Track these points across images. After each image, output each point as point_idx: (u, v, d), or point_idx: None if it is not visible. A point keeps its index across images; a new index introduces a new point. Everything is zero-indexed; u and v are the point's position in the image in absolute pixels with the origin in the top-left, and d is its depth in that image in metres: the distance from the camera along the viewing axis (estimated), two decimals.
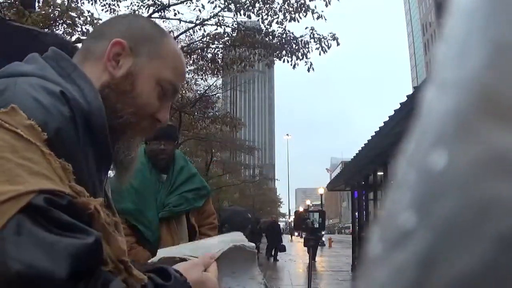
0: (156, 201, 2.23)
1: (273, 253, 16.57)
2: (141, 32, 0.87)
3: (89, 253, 0.60)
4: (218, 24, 9.49)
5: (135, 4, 8.99)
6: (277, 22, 9.02)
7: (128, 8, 9.05)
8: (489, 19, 0.16)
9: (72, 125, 0.69)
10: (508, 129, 0.14)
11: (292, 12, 8.78)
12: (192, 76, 13.12)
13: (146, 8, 8.89)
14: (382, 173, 11.11)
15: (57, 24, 6.41)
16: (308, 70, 9.18)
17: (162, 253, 1.00)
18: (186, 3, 9.35)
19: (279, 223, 25.39)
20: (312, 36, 8.88)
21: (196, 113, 13.91)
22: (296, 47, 9.04)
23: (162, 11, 9.12)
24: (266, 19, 9.03)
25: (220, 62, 10.62)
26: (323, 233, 27.11)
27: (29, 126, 0.64)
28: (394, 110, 7.23)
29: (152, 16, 8.65)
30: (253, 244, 1.03)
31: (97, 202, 0.66)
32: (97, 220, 0.65)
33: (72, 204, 0.62)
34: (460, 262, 0.14)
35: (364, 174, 12.80)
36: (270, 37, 9.24)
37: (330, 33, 8.94)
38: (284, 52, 9.17)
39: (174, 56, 0.89)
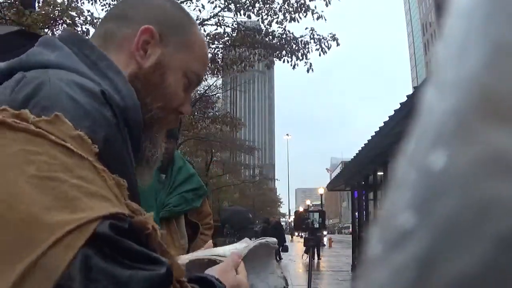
0: (156, 201, 2.23)
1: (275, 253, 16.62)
2: (171, 19, 0.79)
3: (163, 284, 0.55)
4: (218, 24, 9.50)
5: None
6: (277, 22, 9.03)
7: None
8: (489, 19, 0.16)
9: (118, 131, 0.62)
10: (507, 129, 0.14)
11: (292, 12, 8.78)
12: None
13: None
14: (382, 173, 11.11)
15: (57, 23, 6.40)
16: (308, 71, 9.18)
17: (187, 256, 0.99)
18: (186, 3, 9.35)
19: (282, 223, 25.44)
20: (312, 36, 8.88)
21: (196, 113, 13.91)
22: (296, 48, 9.04)
23: None
24: (266, 19, 9.03)
25: (220, 62, 10.62)
26: (325, 233, 27.09)
27: (77, 137, 0.56)
28: (394, 110, 7.23)
29: None
30: (275, 240, 1.03)
31: (152, 219, 0.59)
32: (154, 239, 0.58)
33: (133, 226, 0.56)
34: (459, 262, 0.14)
35: (364, 174, 12.80)
36: (270, 37, 9.24)
37: (330, 34, 8.94)
38: (284, 52, 9.17)
39: (201, 46, 0.83)
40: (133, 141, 0.67)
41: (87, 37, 0.75)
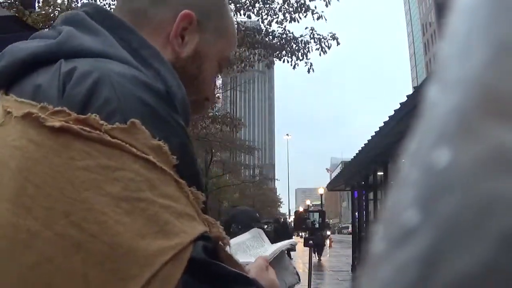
0: None
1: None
2: (208, 2, 0.71)
3: None
4: None
5: None
6: (277, 22, 9.03)
7: None
8: (492, 17, 0.16)
9: (187, 134, 0.55)
10: (510, 127, 0.14)
11: (292, 12, 8.78)
12: None
13: None
14: (382, 173, 11.11)
15: None
16: (308, 71, 9.18)
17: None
18: None
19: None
20: (312, 36, 8.88)
21: None
22: (296, 47, 9.04)
23: None
24: (266, 19, 9.03)
25: None
26: (328, 233, 27.06)
27: (157, 148, 0.49)
28: (394, 110, 7.24)
29: None
30: (296, 241, 1.06)
31: (222, 229, 0.55)
32: (223, 251, 0.54)
33: (216, 244, 0.52)
34: (462, 261, 0.14)
35: (364, 174, 12.80)
36: (270, 37, 9.24)
37: (330, 33, 8.94)
38: (284, 52, 9.17)
39: (234, 29, 0.76)
40: None
41: (121, 18, 0.63)
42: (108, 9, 0.70)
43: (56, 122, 0.47)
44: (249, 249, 1.00)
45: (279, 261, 1.00)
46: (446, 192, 0.15)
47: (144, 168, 0.47)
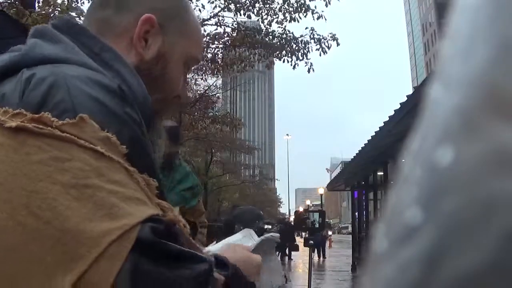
0: None
1: (286, 253, 16.60)
2: (170, 6, 0.75)
3: (207, 279, 0.55)
4: (218, 24, 9.51)
5: None
6: (277, 22, 9.03)
7: None
8: (496, 15, 0.16)
9: (141, 127, 0.59)
10: None
11: (292, 12, 8.78)
12: (192, 76, 13.13)
13: None
14: (382, 173, 11.11)
15: None
16: (309, 71, 9.19)
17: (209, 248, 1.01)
18: None
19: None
20: (312, 36, 8.88)
21: (196, 113, 13.92)
22: (296, 47, 9.04)
23: None
24: (266, 19, 9.03)
25: (220, 62, 10.62)
26: (330, 233, 27.03)
27: (105, 139, 0.53)
28: (394, 110, 7.24)
29: None
30: (278, 234, 1.04)
31: (180, 215, 0.60)
32: (184, 235, 0.58)
33: (168, 226, 0.55)
34: (466, 259, 0.14)
35: (364, 174, 12.80)
36: (270, 37, 9.24)
37: (330, 33, 8.94)
38: (284, 52, 9.17)
39: (198, 29, 0.80)
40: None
41: (84, 26, 0.69)
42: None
43: (13, 123, 0.51)
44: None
45: (267, 261, 1.00)
46: (449, 191, 0.15)
47: (92, 157, 0.51)
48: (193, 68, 0.82)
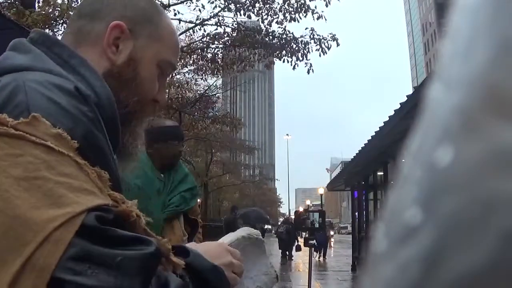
0: (159, 200, 2.25)
1: (287, 253, 16.56)
2: (140, 12, 0.81)
3: (154, 261, 0.58)
4: (218, 24, 9.50)
5: None
6: (277, 22, 9.04)
7: None
8: (496, 15, 0.16)
9: (97, 125, 0.64)
10: None
11: (292, 12, 8.78)
12: (192, 76, 13.14)
13: None
14: (382, 173, 11.11)
15: (57, 24, 6.41)
16: (308, 72, 9.18)
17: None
18: (186, 3, 9.36)
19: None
20: (312, 37, 8.88)
21: (196, 113, 13.92)
22: (296, 48, 9.04)
23: None
24: (266, 19, 9.04)
25: (220, 62, 10.62)
26: (332, 233, 26.91)
27: (57, 135, 0.58)
28: (394, 110, 7.24)
29: None
30: (258, 231, 1.02)
31: (135, 207, 0.63)
32: (138, 226, 0.62)
33: (117, 216, 0.59)
34: (466, 258, 0.14)
35: (364, 174, 12.80)
36: (270, 37, 9.24)
37: (330, 34, 8.94)
38: (284, 52, 9.17)
39: (172, 35, 0.85)
40: (110, 135, 0.68)
41: (56, 37, 0.77)
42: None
43: None
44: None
45: (252, 260, 0.98)
46: (449, 191, 0.15)
47: (43, 152, 0.56)
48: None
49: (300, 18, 8.79)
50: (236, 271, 0.80)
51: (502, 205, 0.14)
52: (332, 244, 26.75)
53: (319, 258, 17.09)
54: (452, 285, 0.14)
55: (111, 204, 0.59)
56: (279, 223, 18.81)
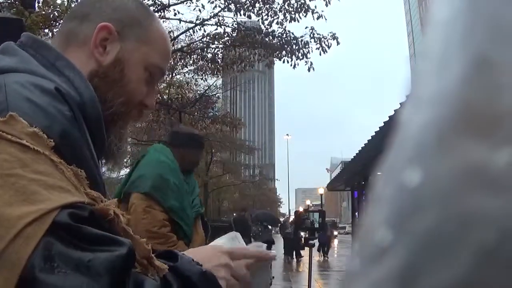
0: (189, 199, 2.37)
1: (294, 253, 16.55)
2: (128, 15, 0.82)
3: (126, 263, 0.57)
4: (218, 24, 9.50)
5: None
6: (277, 23, 9.03)
7: None
8: (468, 32, 0.16)
9: (75, 124, 0.65)
10: (486, 143, 0.14)
11: (292, 12, 8.78)
12: (192, 76, 13.14)
13: None
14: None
15: (57, 24, 6.41)
16: (309, 70, 9.18)
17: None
18: (186, 3, 9.35)
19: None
20: (312, 36, 8.88)
21: (196, 113, 13.91)
22: (296, 47, 9.04)
23: (162, 11, 9.11)
24: (266, 19, 9.04)
25: (220, 62, 10.62)
26: (335, 233, 26.80)
27: (33, 134, 0.59)
28: (394, 110, 7.24)
29: None
30: (265, 244, 1.02)
31: (114, 205, 0.63)
32: (117, 225, 0.62)
33: (93, 214, 0.59)
34: (441, 275, 0.14)
35: (364, 174, 12.80)
36: (270, 37, 9.24)
37: (330, 33, 8.94)
38: (284, 52, 9.17)
39: (161, 39, 0.85)
40: (94, 135, 0.69)
41: (43, 40, 0.78)
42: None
43: None
44: None
45: (255, 277, 0.98)
46: (419, 210, 0.15)
47: (18, 150, 0.57)
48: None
49: (300, 18, 8.79)
50: (234, 273, 0.80)
51: (475, 222, 0.14)
52: (335, 244, 26.71)
53: (322, 257, 17.08)
54: None
55: (87, 202, 0.59)
56: (284, 223, 18.74)
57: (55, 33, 6.26)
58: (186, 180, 2.38)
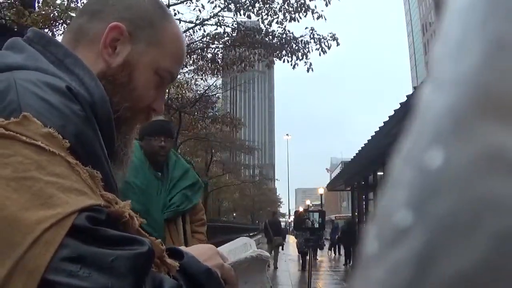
0: (159, 200, 2.16)
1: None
2: (142, 15, 0.78)
3: (147, 261, 0.57)
4: (218, 24, 9.50)
5: None
6: (277, 22, 9.03)
7: None
8: (488, 15, 0.16)
9: (89, 124, 0.63)
10: (505, 127, 0.14)
11: (292, 12, 8.78)
12: (192, 76, 13.13)
13: None
14: (382, 173, 11.11)
15: (57, 24, 6.40)
16: (308, 71, 9.18)
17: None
18: (186, 3, 9.35)
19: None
20: (312, 36, 8.88)
21: (196, 113, 13.91)
22: (296, 47, 9.03)
23: None
24: (266, 19, 9.03)
25: (220, 62, 10.62)
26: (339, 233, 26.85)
27: (48, 134, 0.57)
28: (394, 110, 7.24)
29: None
30: (268, 254, 1.02)
31: (128, 207, 0.62)
32: (131, 227, 0.61)
33: (109, 216, 0.58)
34: (457, 260, 0.14)
35: (364, 174, 12.80)
36: (270, 37, 9.24)
37: (330, 33, 8.94)
38: (284, 52, 9.16)
39: (174, 41, 0.81)
40: (104, 136, 0.67)
41: (51, 36, 0.75)
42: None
43: None
44: (234, 256, 0.97)
45: (254, 279, 0.98)
46: (441, 192, 0.15)
47: (33, 152, 0.55)
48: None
49: (300, 18, 8.79)
50: (226, 274, 0.79)
51: (493, 207, 0.14)
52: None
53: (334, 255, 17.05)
54: (444, 286, 0.14)
55: (103, 204, 0.58)
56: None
57: (55, 33, 6.26)
58: (161, 176, 2.19)
